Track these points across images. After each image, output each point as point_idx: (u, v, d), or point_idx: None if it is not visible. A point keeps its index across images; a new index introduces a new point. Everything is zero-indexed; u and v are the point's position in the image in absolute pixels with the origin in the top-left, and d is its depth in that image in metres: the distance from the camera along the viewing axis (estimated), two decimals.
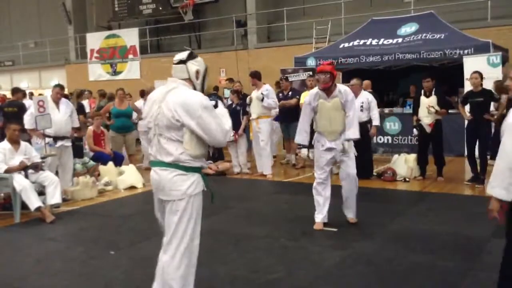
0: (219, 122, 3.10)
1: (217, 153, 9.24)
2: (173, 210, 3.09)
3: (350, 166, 5.44)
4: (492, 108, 7.66)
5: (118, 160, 8.86)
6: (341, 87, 5.37)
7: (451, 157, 9.19)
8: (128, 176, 8.18)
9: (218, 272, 4.19)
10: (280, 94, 9.57)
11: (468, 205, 6.31)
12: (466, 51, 9.76)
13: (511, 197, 2.72)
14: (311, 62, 11.72)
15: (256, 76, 8.84)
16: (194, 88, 3.18)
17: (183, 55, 3.20)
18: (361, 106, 7.92)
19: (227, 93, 13.71)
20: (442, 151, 7.93)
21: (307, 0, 16.63)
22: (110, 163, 8.43)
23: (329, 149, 5.34)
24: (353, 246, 4.73)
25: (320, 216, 5.42)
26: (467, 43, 9.93)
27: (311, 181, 8.28)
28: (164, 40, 19.64)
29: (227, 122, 3.22)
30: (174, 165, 3.06)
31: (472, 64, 9.24)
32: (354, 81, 8.17)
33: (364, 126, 8.06)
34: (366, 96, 8.12)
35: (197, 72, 3.19)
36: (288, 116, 9.12)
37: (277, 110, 9.10)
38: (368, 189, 7.53)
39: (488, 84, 7.97)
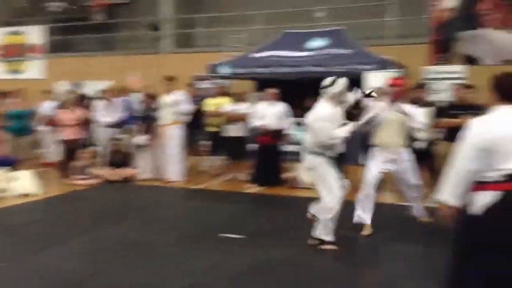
0: None
1: (122, 159, 8.93)
2: None
3: None
4: None
5: (5, 164, 8.17)
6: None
7: (353, 166, 9.65)
8: (21, 183, 7.60)
9: (120, 282, 4.03)
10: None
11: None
12: (368, 67, 10.33)
13: (456, 203, 2.89)
14: (224, 70, 11.76)
15: (170, 81, 8.72)
16: None
17: None
18: (278, 115, 8.29)
19: (137, 97, 13.36)
20: (345, 160, 8.30)
21: (223, 9, 16.74)
22: None
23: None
24: (258, 254, 4.77)
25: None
26: (370, 60, 10.52)
27: (220, 188, 8.40)
28: (73, 39, 18.72)
29: None
30: None
31: (373, 79, 9.81)
32: (273, 90, 8.39)
33: (278, 134, 8.28)
34: (282, 106, 8.35)
35: None
36: (191, 122, 9.07)
37: (188, 116, 9.02)
38: (277, 196, 7.71)
39: None
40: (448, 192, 2.92)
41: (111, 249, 4.94)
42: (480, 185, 2.82)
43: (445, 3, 12.55)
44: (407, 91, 5.93)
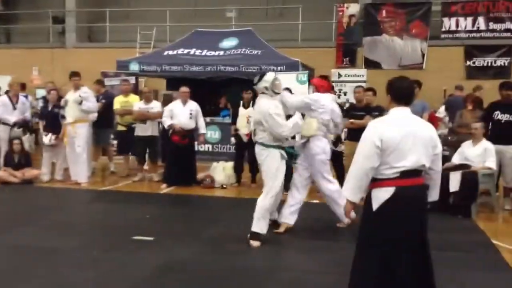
0: None
1: (23, 160, 8.37)
2: None
3: None
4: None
5: None
6: None
7: None
8: None
9: None
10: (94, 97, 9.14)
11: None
12: (279, 68, 10.61)
13: (357, 199, 3.11)
14: (134, 67, 11.48)
15: (76, 76, 8.27)
16: None
17: None
18: (190, 114, 8.10)
19: (40, 93, 12.62)
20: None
21: (132, 3, 16.29)
22: None
23: None
24: (169, 255, 4.72)
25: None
26: (280, 61, 10.82)
27: (130, 189, 8.18)
28: None
29: None
30: None
31: (283, 80, 10.08)
32: (184, 88, 8.28)
33: (191, 134, 8.22)
34: (194, 105, 8.30)
35: None
36: (99, 122, 8.72)
37: (95, 115, 8.63)
38: (188, 196, 7.67)
39: None
40: (351, 189, 3.12)
41: (8, 257, 4.63)
42: (378, 182, 3.04)
43: (349, 10, 13.25)
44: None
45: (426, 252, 3.04)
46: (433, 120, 8.56)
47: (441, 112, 10.02)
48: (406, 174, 2.99)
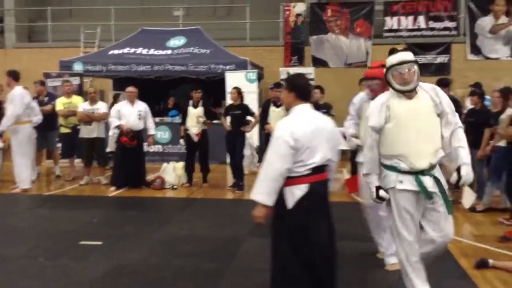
0: None
1: None
2: None
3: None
4: None
5: None
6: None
7: (215, 164, 9.86)
8: None
9: None
10: (36, 99, 8.82)
11: (230, 208, 6.86)
12: (228, 67, 10.63)
13: (272, 202, 3.03)
14: (78, 67, 11.16)
15: (11, 76, 7.86)
16: None
17: None
18: (139, 115, 7.97)
19: None
20: (208, 159, 8.44)
21: (74, 1, 15.79)
22: None
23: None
24: (118, 258, 4.63)
25: None
26: (229, 60, 10.84)
27: (77, 193, 7.94)
28: None
29: None
30: None
31: (232, 79, 10.13)
32: (131, 88, 8.10)
33: (140, 135, 8.06)
34: (143, 105, 8.14)
35: None
36: (43, 124, 8.38)
37: (40, 117, 8.28)
38: (138, 198, 7.54)
39: (247, 98, 8.81)
40: (266, 193, 3.02)
41: None
42: (291, 179, 3.03)
43: (295, 9, 13.43)
44: None
45: (334, 241, 3.20)
46: None
47: None
48: (316, 170, 3.06)
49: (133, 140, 7.94)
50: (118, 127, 7.90)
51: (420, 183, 3.30)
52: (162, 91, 13.00)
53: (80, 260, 4.59)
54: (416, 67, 3.33)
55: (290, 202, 3.04)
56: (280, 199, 3.05)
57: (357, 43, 13.12)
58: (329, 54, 12.98)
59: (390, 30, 13.24)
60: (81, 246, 5.00)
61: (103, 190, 8.03)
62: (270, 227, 3.17)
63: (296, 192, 3.04)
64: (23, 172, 7.85)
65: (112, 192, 7.82)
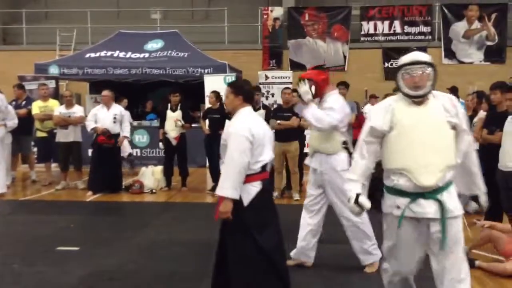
0: None
1: None
2: None
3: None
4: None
5: None
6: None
7: (194, 168, 9.82)
8: None
9: None
10: (14, 103, 8.67)
11: (209, 212, 6.80)
12: (206, 70, 10.61)
13: (238, 196, 3.13)
14: (53, 70, 10.99)
15: None
16: None
17: None
18: (114, 118, 7.91)
19: None
20: (186, 163, 8.41)
21: (50, 4, 15.56)
22: None
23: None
24: (96, 264, 4.57)
25: None
26: (207, 63, 10.82)
27: (53, 198, 7.81)
28: None
29: None
30: None
31: (211, 82, 10.11)
32: (105, 92, 8.02)
33: (115, 139, 7.97)
34: (119, 109, 8.07)
35: None
36: (18, 128, 8.23)
37: (16, 121, 8.14)
38: (117, 203, 7.47)
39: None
40: (232, 187, 3.12)
41: None
42: (246, 177, 3.17)
43: (273, 13, 13.51)
44: None
45: (280, 230, 3.40)
46: (361, 121, 8.95)
47: (366, 109, 10.51)
48: (264, 167, 3.28)
49: (110, 139, 7.85)
50: (93, 129, 7.82)
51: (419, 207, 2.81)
52: (140, 95, 12.89)
53: (57, 266, 4.52)
54: (430, 70, 2.82)
55: (246, 200, 3.18)
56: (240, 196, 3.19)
57: (334, 47, 13.27)
58: (307, 57, 13.08)
59: (367, 35, 13.43)
60: (57, 252, 4.93)
61: (80, 195, 7.92)
62: (225, 225, 3.28)
63: (251, 190, 3.20)
64: None
65: (89, 197, 7.72)
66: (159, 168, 8.43)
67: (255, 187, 3.20)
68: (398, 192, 2.85)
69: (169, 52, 11.28)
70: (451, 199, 2.83)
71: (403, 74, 2.86)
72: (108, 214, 6.81)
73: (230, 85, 3.47)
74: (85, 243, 5.17)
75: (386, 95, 7.21)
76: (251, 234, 3.19)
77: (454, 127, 2.85)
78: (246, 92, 3.38)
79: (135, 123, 11.12)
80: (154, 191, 8.12)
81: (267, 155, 3.27)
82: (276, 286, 3.28)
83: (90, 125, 7.85)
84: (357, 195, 2.93)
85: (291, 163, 7.35)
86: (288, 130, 7.15)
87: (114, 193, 7.89)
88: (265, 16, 13.62)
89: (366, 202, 2.94)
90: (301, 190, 7.33)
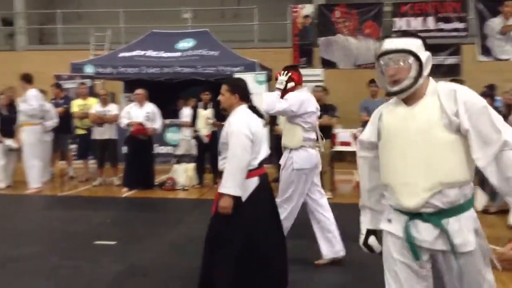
0: None
1: None
2: None
3: None
4: None
5: None
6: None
7: None
8: None
9: None
10: (53, 101, 8.94)
11: None
12: (236, 69, 10.66)
13: (241, 193, 3.22)
14: (89, 69, 11.23)
15: (24, 79, 8.02)
16: None
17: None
18: (147, 116, 8.07)
19: None
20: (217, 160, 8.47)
21: (83, 5, 15.92)
22: None
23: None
24: (130, 259, 4.67)
25: None
26: (237, 62, 10.87)
27: (90, 193, 8.01)
28: None
29: None
30: None
31: None
32: (139, 90, 8.20)
33: (149, 136, 8.14)
34: (151, 107, 8.23)
35: None
36: (57, 126, 8.53)
37: (55, 120, 8.45)
38: (150, 199, 7.60)
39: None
40: (237, 185, 3.20)
41: None
42: (248, 172, 3.28)
43: (303, 10, 13.46)
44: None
45: (280, 224, 3.56)
46: None
47: None
48: (262, 163, 3.39)
49: (144, 130, 7.99)
50: (128, 124, 7.99)
51: (407, 229, 2.17)
52: (172, 93, 13.06)
53: (93, 260, 4.65)
54: (412, 59, 2.17)
55: (245, 195, 3.26)
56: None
57: (366, 44, 13.12)
58: (338, 55, 12.97)
59: (399, 32, 13.22)
60: (94, 246, 5.06)
61: (115, 191, 8.11)
62: (221, 219, 3.30)
63: (250, 185, 3.28)
64: (34, 173, 7.98)
65: (124, 193, 7.90)
66: (192, 165, 8.54)
67: (253, 183, 3.30)
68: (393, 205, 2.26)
69: (200, 51, 11.39)
70: (461, 229, 2.10)
71: (382, 66, 2.28)
72: (142, 210, 6.94)
73: (226, 83, 3.54)
74: (121, 238, 5.29)
75: None
76: (249, 231, 3.27)
77: (458, 130, 2.11)
78: (242, 90, 3.47)
79: (167, 121, 11.28)
80: (186, 188, 8.24)
81: (264, 151, 3.40)
82: (267, 284, 3.33)
83: (124, 121, 8.03)
84: (368, 233, 2.41)
85: (323, 162, 7.32)
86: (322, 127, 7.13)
87: (147, 189, 8.04)
88: (294, 14, 13.57)
89: (375, 244, 2.39)
90: (333, 189, 7.30)
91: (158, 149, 10.74)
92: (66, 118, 8.90)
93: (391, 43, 2.26)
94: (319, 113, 4.62)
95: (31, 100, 7.91)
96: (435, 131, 2.12)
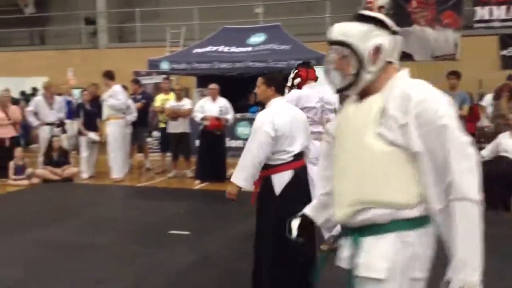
0: None
1: (62, 158, 8.65)
2: None
3: None
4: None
5: None
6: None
7: None
8: None
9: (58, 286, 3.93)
10: (132, 96, 9.38)
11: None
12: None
13: (249, 186, 3.35)
14: (164, 66, 11.64)
15: (107, 76, 8.50)
16: None
17: None
18: (220, 111, 8.24)
19: (76, 93, 12.95)
20: None
21: (161, 2, 16.49)
22: None
23: None
24: (203, 249, 4.80)
25: None
26: (309, 55, 10.75)
27: (165, 185, 8.33)
28: (1, 34, 17.76)
29: None
30: None
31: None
32: (212, 85, 8.41)
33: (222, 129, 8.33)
34: (224, 101, 8.40)
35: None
36: (136, 120, 8.96)
37: (135, 114, 8.89)
38: (221, 192, 7.72)
39: None
40: (245, 178, 3.30)
41: (47, 252, 4.78)
42: (276, 167, 3.30)
43: (378, 1, 13.07)
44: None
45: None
46: (476, 113, 8.32)
47: (486, 101, 9.82)
48: (297, 156, 3.36)
49: (219, 123, 8.16)
50: (203, 118, 8.20)
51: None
52: (243, 88, 13.22)
53: (168, 249, 4.82)
54: (349, 52, 1.78)
55: (278, 189, 3.30)
56: (268, 186, 3.32)
57: (444, 35, 12.52)
58: (414, 46, 12.46)
59: (481, 21, 12.48)
60: (169, 235, 5.25)
61: (188, 183, 8.37)
62: (257, 212, 3.45)
63: (283, 179, 3.31)
64: (116, 164, 8.44)
65: (197, 185, 8.13)
66: None
67: (287, 176, 3.30)
68: None
69: (271, 45, 11.42)
70: (371, 251, 1.73)
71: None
72: (213, 202, 7.10)
73: (262, 76, 3.55)
74: (194, 229, 5.45)
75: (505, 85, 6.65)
76: (280, 225, 3.20)
77: (397, 144, 1.68)
78: (278, 83, 3.50)
79: (238, 115, 11.44)
80: None
81: (298, 144, 3.36)
82: (296, 277, 3.32)
83: (198, 115, 8.25)
84: (300, 216, 2.18)
85: None
86: None
87: (219, 182, 8.21)
88: (369, 5, 13.21)
89: (293, 228, 2.14)
90: None
91: (230, 143, 10.91)
92: (143, 112, 9.30)
93: (332, 31, 1.89)
94: (329, 106, 4.75)
95: (118, 95, 8.37)
96: (367, 137, 1.73)
